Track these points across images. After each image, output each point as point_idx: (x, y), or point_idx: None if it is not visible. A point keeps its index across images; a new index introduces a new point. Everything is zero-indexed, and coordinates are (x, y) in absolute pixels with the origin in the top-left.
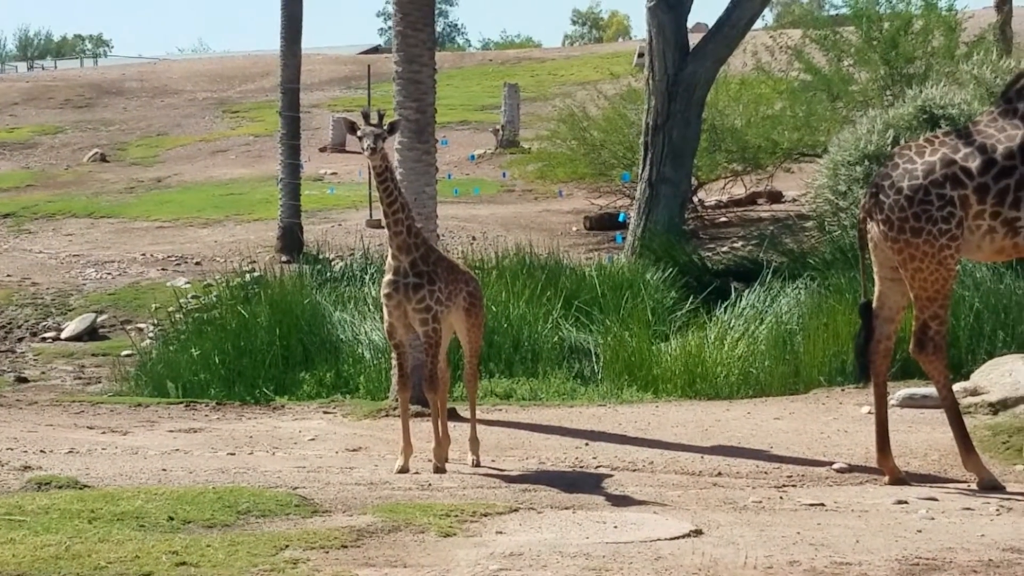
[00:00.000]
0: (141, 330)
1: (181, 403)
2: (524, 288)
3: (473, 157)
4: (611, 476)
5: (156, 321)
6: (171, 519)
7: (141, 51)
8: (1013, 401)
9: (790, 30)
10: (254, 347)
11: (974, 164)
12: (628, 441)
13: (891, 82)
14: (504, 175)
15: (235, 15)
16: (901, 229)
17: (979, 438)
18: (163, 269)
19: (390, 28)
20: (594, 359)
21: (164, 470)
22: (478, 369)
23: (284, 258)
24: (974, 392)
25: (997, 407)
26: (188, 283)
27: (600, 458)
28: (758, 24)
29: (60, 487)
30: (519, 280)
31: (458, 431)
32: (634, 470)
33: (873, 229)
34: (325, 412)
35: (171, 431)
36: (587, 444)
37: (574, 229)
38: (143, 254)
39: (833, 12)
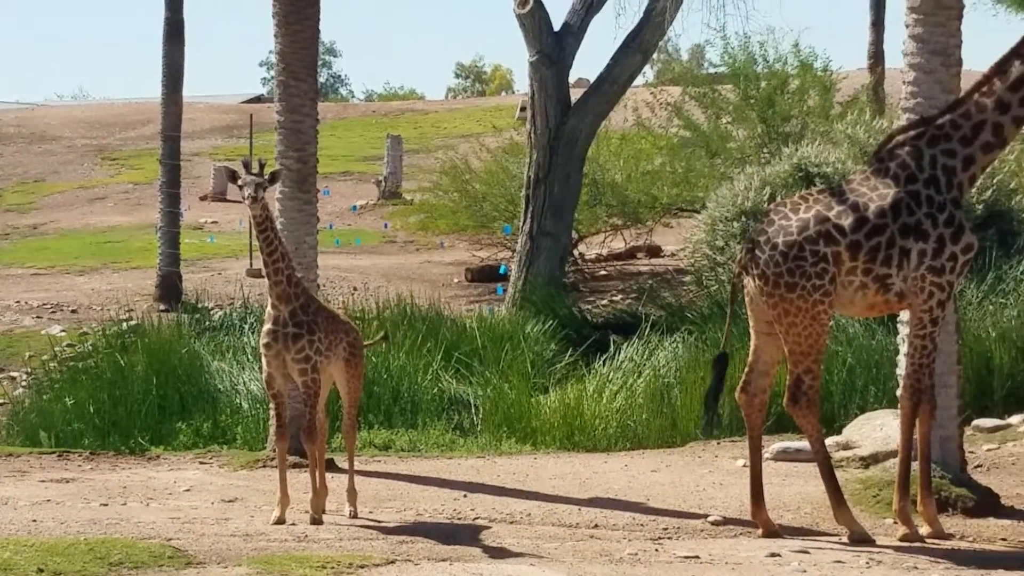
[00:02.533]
0: (14, 379)
1: (53, 453)
2: (404, 339)
3: (355, 208)
4: (488, 528)
5: (30, 370)
6: (40, 571)
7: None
8: (884, 455)
9: (670, 87)
10: (130, 396)
11: (847, 222)
12: (506, 493)
13: (768, 140)
14: (386, 226)
15: (116, 62)
16: (776, 284)
17: (850, 491)
18: (38, 317)
19: (273, 78)
20: (473, 411)
21: (34, 521)
22: (357, 420)
23: (162, 307)
24: (846, 446)
25: (868, 461)
26: (63, 331)
27: (478, 510)
28: (638, 80)
29: None
30: (400, 331)
31: (336, 482)
32: (511, 522)
33: (749, 284)
34: (201, 462)
35: (43, 481)
36: (465, 496)
37: (455, 281)
38: (17, 301)
39: (712, 70)
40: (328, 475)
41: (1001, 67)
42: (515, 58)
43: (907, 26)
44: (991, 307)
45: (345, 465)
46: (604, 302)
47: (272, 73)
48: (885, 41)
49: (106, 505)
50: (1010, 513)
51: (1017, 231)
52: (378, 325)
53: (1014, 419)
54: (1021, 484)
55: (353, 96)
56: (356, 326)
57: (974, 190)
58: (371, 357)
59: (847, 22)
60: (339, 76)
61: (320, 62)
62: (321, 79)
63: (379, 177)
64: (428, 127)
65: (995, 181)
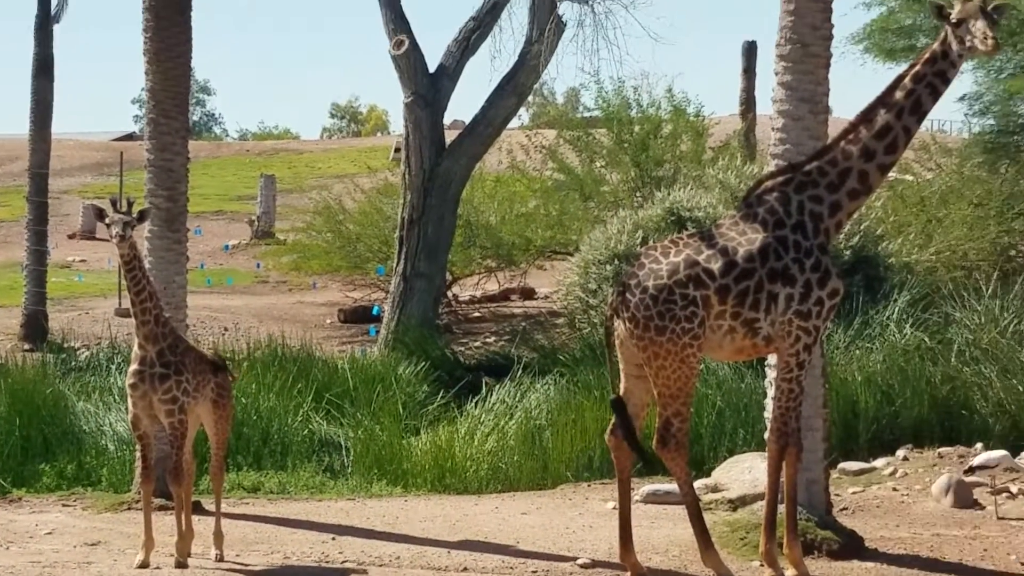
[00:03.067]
0: None
1: None
2: (275, 380)
3: (227, 247)
4: (357, 571)
5: None
6: None
7: None
8: (751, 498)
9: (545, 130)
10: None
11: (716, 266)
12: (376, 536)
13: (641, 184)
14: (258, 266)
15: None
16: (646, 327)
17: (718, 534)
18: None
19: (144, 115)
20: (344, 452)
21: None
22: (225, 462)
23: (27, 346)
24: (715, 489)
25: (736, 503)
26: None
27: (347, 553)
28: (513, 123)
29: None
30: (270, 372)
31: (203, 525)
32: (380, 565)
33: (620, 327)
34: (64, 505)
35: None
36: (334, 539)
37: (328, 321)
38: None
39: (587, 114)
40: (195, 518)
41: (867, 115)
42: (391, 99)
43: (776, 74)
44: (857, 351)
45: (212, 507)
46: (477, 344)
47: (143, 111)
48: (756, 88)
49: None
50: (874, 556)
51: (883, 276)
52: (248, 366)
53: (879, 462)
54: (886, 527)
55: (227, 135)
56: (225, 367)
57: (841, 236)
58: (240, 398)
59: (720, 69)
60: (213, 114)
61: (193, 100)
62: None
63: (252, 216)
64: (302, 167)
65: (862, 227)
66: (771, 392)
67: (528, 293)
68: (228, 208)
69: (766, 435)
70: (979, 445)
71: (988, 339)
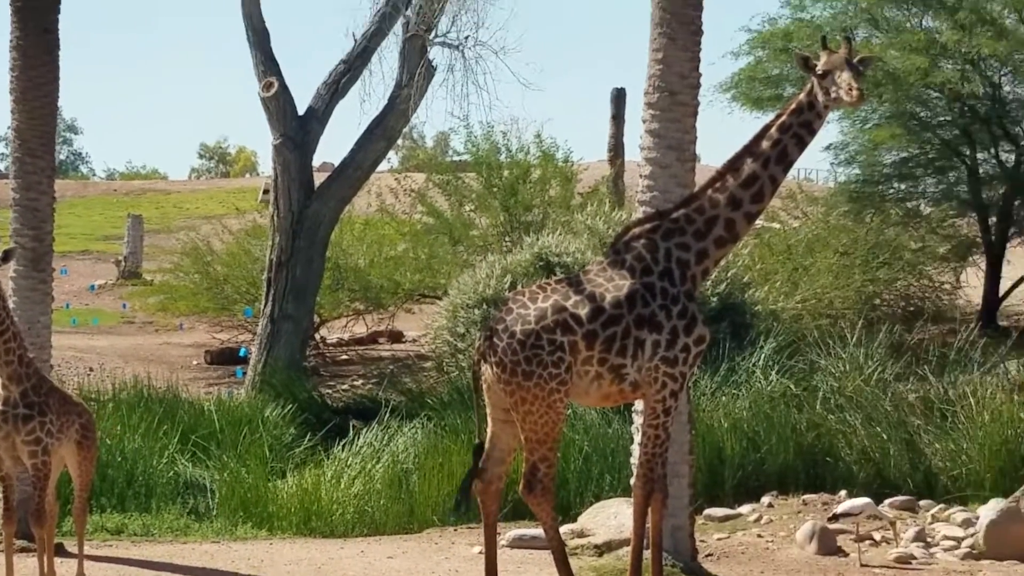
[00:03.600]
0: None
1: None
2: (141, 421)
3: (93, 287)
4: None
5: None
6: None
7: None
8: (617, 543)
9: (414, 173)
10: None
11: (584, 312)
12: None
13: (510, 228)
14: (125, 306)
15: None
16: (513, 372)
17: None
18: None
19: (9, 154)
20: (210, 495)
21: None
22: (88, 503)
23: None
24: (581, 534)
25: (602, 549)
26: None
27: None
28: (383, 166)
29: None
30: (136, 413)
31: (65, 567)
32: None
33: (487, 371)
34: None
35: None
36: None
37: (195, 363)
38: None
39: (456, 158)
40: (57, 560)
41: (734, 164)
42: (260, 140)
43: (644, 121)
44: (724, 398)
45: (75, 549)
46: (345, 387)
47: (9, 150)
48: (625, 134)
49: None
50: None
51: (750, 324)
52: (113, 407)
53: (744, 509)
54: (751, 573)
55: (94, 174)
56: (89, 408)
57: (708, 283)
58: (105, 439)
59: (589, 115)
60: (80, 154)
61: (60, 139)
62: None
63: (119, 257)
64: (170, 207)
65: (729, 275)
66: (638, 438)
67: (396, 336)
68: (95, 248)
69: (632, 481)
70: (843, 492)
71: (853, 387)
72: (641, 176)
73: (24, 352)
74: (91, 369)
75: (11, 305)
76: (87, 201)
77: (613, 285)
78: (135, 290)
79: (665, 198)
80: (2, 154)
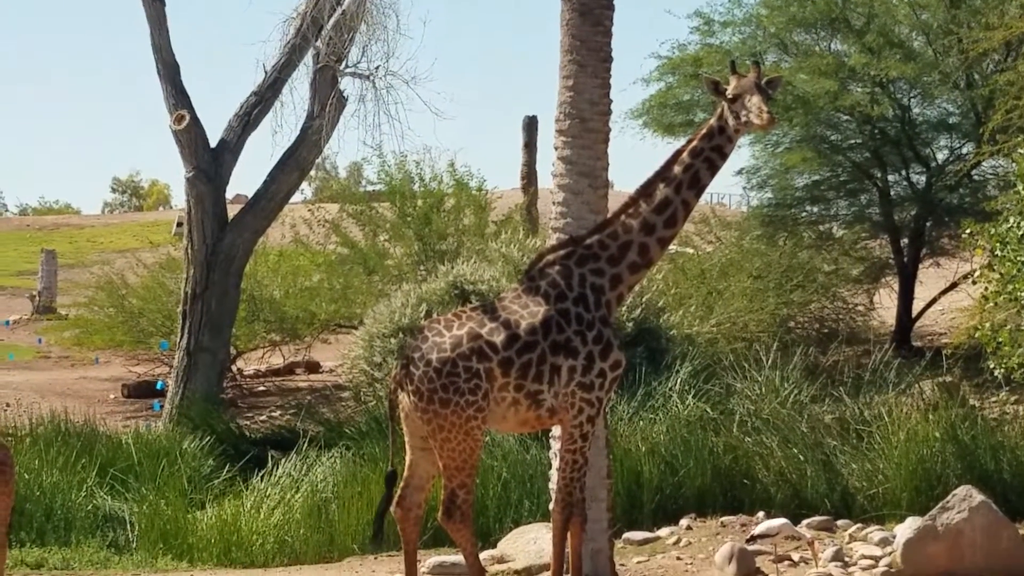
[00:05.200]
0: None
1: None
2: (59, 455)
3: (8, 323)
4: None
5: None
6: None
7: None
8: (537, 568)
9: (328, 204)
10: None
11: (499, 339)
12: None
13: (425, 257)
14: (40, 341)
15: None
16: (430, 400)
17: None
18: None
19: None
20: (129, 527)
21: None
22: (7, 538)
23: None
24: (501, 560)
25: (523, 574)
26: None
27: None
28: (297, 197)
29: None
30: (53, 447)
31: None
32: None
33: (404, 400)
34: None
35: None
36: None
37: (112, 396)
38: None
39: (369, 188)
40: None
41: (646, 190)
42: (172, 173)
43: (556, 148)
44: (641, 422)
45: None
46: (263, 418)
47: None
48: (538, 162)
49: None
50: None
51: (666, 348)
52: (31, 442)
53: (663, 532)
54: None
55: (7, 210)
56: (6, 444)
57: (623, 308)
58: (23, 474)
59: (502, 143)
60: None
61: None
62: None
63: (33, 292)
64: (84, 241)
65: (644, 299)
66: (555, 463)
67: (313, 367)
68: (8, 283)
69: (551, 506)
70: (761, 514)
71: (769, 409)
72: (554, 203)
73: None
74: (8, 404)
75: None
76: (0, 237)
77: (528, 312)
78: (50, 325)
79: (578, 224)
80: None
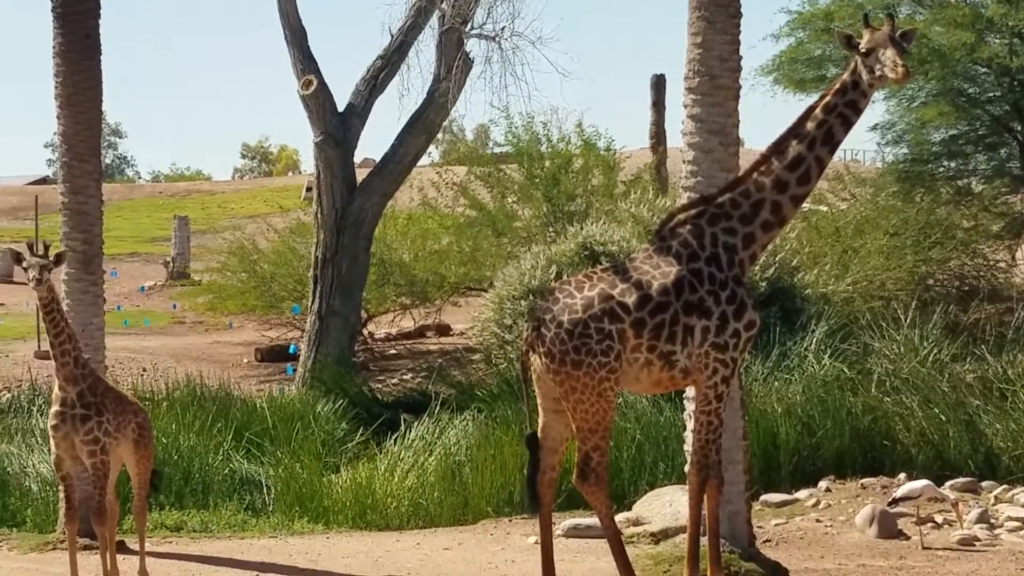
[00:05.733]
0: None
1: None
2: (195, 419)
3: (143, 289)
4: None
5: None
6: None
7: None
8: (673, 531)
9: (456, 166)
10: None
11: (631, 299)
12: (299, 572)
13: (553, 219)
14: (175, 307)
15: None
16: (562, 362)
17: (641, 567)
18: None
19: (57, 159)
20: (265, 491)
21: None
22: (147, 501)
23: None
24: (636, 522)
25: (658, 537)
26: None
27: None
28: (424, 160)
29: None
30: (189, 411)
31: (127, 564)
32: None
33: (536, 362)
34: None
35: None
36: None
37: (245, 361)
38: None
39: (497, 150)
40: (119, 557)
41: (779, 147)
42: (301, 138)
43: (686, 106)
44: (776, 383)
45: (136, 546)
46: (394, 381)
47: (56, 155)
48: (666, 121)
49: None
50: None
51: (800, 307)
52: (168, 406)
53: (801, 494)
54: (810, 558)
55: (140, 177)
56: (144, 407)
57: (756, 267)
58: (161, 438)
59: (630, 103)
60: (125, 157)
61: (105, 143)
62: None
63: (167, 258)
64: (215, 208)
65: (777, 259)
66: (690, 425)
67: (443, 330)
68: (143, 250)
69: (687, 468)
70: (902, 475)
71: (908, 368)
72: (684, 162)
73: (79, 353)
74: (144, 369)
75: (65, 308)
76: (134, 204)
77: (660, 272)
78: (184, 290)
79: (709, 183)
80: (50, 160)
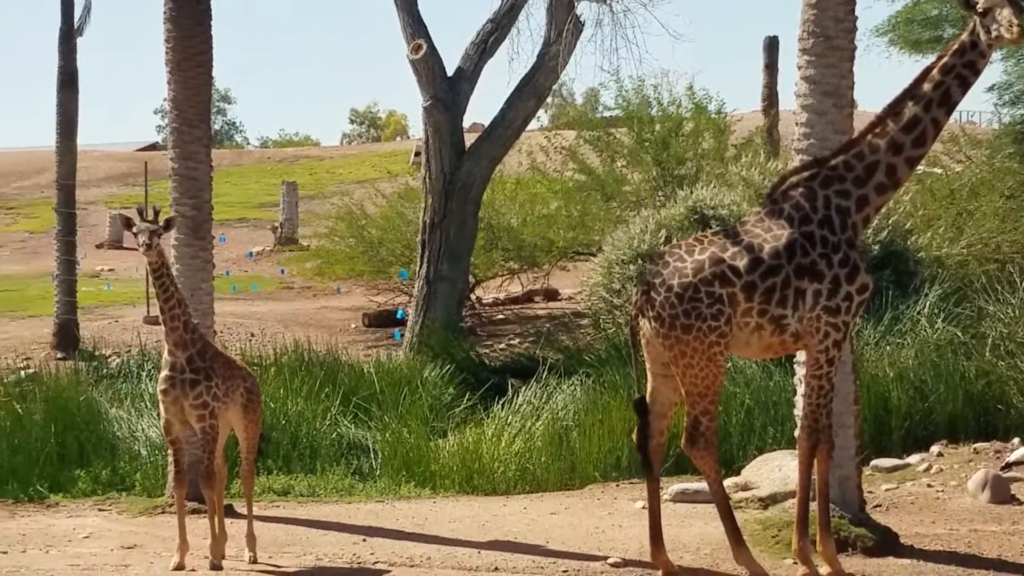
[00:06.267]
0: None
1: None
2: (302, 385)
3: (251, 254)
4: (389, 572)
5: None
6: None
7: None
8: (782, 496)
9: (565, 131)
10: (28, 444)
11: (742, 263)
12: (406, 537)
13: (663, 183)
14: (282, 272)
15: (10, 111)
16: (672, 326)
17: (750, 532)
18: None
19: (167, 125)
20: (372, 455)
21: None
22: (255, 465)
23: (59, 355)
24: (745, 487)
25: (767, 501)
26: None
27: (378, 554)
28: (533, 124)
29: None
30: (297, 377)
31: (235, 527)
32: (412, 566)
33: (645, 326)
34: (100, 509)
35: None
36: (365, 540)
37: (353, 326)
38: None
39: (606, 114)
40: (227, 520)
41: (894, 108)
42: (409, 103)
43: (799, 68)
44: (888, 347)
45: (244, 510)
46: (502, 346)
47: (166, 120)
48: (779, 83)
49: (5, 553)
50: (909, 552)
51: (913, 271)
52: (275, 371)
53: (912, 459)
54: (921, 523)
55: (248, 143)
56: (253, 372)
57: (869, 230)
58: (269, 403)
59: (741, 65)
60: (234, 123)
61: (214, 109)
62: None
63: (275, 223)
64: (323, 173)
65: (890, 222)
66: (801, 389)
67: (551, 294)
68: (251, 215)
69: (797, 432)
70: (1016, 440)
71: (1023, 333)
72: (797, 124)
73: (189, 318)
74: (252, 335)
75: (174, 273)
76: (242, 170)
77: (771, 235)
78: (292, 256)
79: (822, 146)
80: (159, 126)
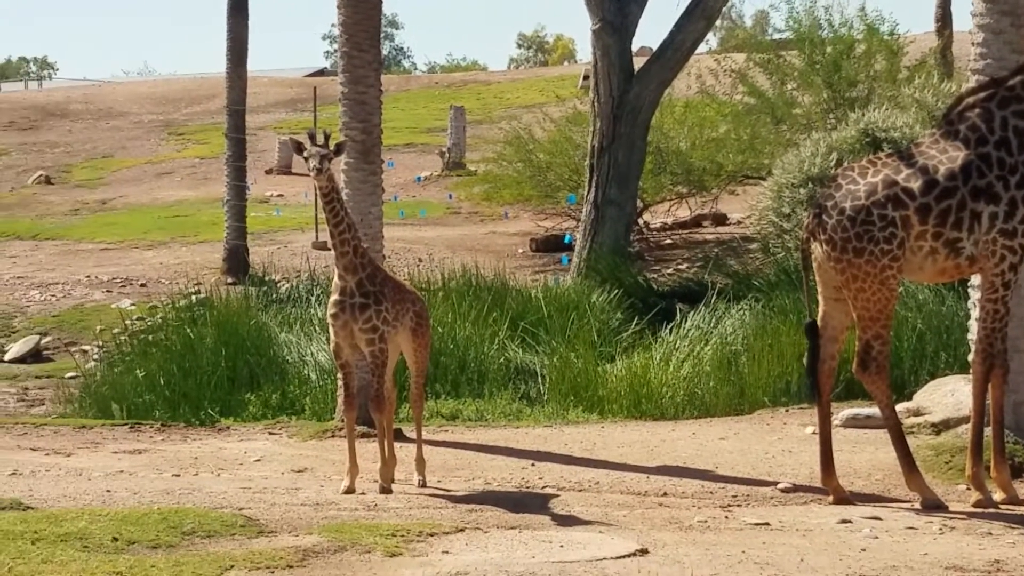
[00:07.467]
0: (86, 352)
1: (125, 425)
2: (470, 309)
3: (419, 179)
4: (557, 496)
5: (101, 343)
6: (115, 540)
7: (86, 73)
8: (955, 421)
9: (734, 54)
10: (199, 368)
11: (916, 185)
12: (574, 462)
13: (834, 105)
14: (450, 197)
15: (180, 37)
16: (844, 249)
17: (922, 458)
18: (108, 291)
19: (336, 51)
20: (540, 380)
21: (108, 491)
22: (424, 390)
23: (230, 280)
24: (917, 412)
25: (940, 427)
26: (133, 305)
27: (546, 478)
28: (702, 48)
29: (3, 508)
30: (465, 301)
31: (404, 452)
32: (580, 490)
33: (816, 250)
34: (271, 433)
35: (115, 452)
36: (533, 464)
37: (520, 251)
38: (88, 276)
39: (776, 36)
40: (396, 445)
41: None
42: (577, 27)
43: None
44: None
45: (413, 435)
46: (670, 271)
47: (335, 46)
48: (953, 3)
49: (178, 476)
50: None
51: None
52: (443, 296)
53: None
54: None
55: (415, 68)
56: (422, 296)
57: None
58: (437, 328)
59: None
60: (401, 48)
61: (383, 34)
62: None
63: (443, 148)
64: (491, 98)
65: None
66: (975, 313)
67: (720, 219)
68: (419, 140)
69: (971, 357)
70: None
71: None
72: (973, 44)
73: (359, 243)
74: (420, 259)
75: (344, 198)
76: (409, 95)
77: (947, 157)
78: (460, 181)
79: (999, 66)
80: (327, 52)
